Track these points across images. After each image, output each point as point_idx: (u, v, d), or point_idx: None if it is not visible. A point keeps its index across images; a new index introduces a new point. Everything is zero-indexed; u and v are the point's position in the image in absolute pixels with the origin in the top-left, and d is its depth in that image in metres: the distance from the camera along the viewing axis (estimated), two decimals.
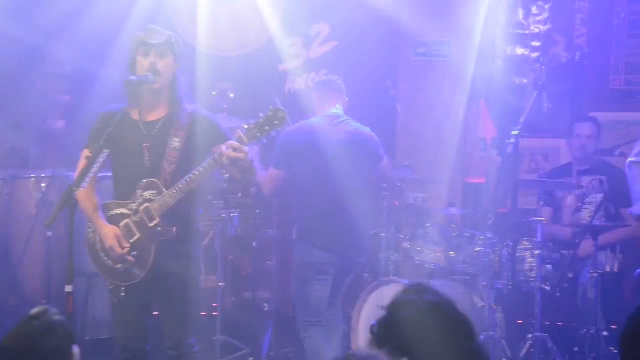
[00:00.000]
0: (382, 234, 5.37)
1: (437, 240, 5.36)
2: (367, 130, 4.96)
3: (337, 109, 4.95)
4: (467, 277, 5.35)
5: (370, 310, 5.02)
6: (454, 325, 2.13)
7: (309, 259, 4.77)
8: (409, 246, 5.42)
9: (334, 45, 6.66)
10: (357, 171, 4.80)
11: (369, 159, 4.92)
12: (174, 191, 3.77)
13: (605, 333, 4.93)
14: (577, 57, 6.48)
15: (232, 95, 6.19)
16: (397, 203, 5.57)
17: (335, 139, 4.78)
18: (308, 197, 4.80)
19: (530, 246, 5.25)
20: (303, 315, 4.83)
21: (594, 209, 5.46)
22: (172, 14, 6.40)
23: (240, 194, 5.71)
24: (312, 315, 4.80)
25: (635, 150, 4.08)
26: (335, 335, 4.92)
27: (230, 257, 5.84)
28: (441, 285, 5.01)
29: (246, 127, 3.72)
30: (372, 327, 2.16)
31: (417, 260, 5.40)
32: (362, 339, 5.00)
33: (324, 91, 5.02)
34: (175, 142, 3.82)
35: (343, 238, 4.79)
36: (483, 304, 5.16)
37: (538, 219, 5.26)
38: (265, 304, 5.74)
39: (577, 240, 5.31)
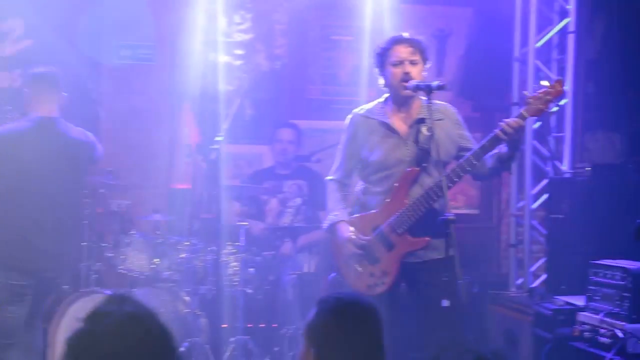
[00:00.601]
0: (83, 243, 5.18)
1: (141, 247, 5.29)
2: (83, 133, 4.64)
3: (53, 112, 4.55)
4: (172, 284, 5.35)
5: (68, 324, 4.79)
6: (153, 336, 2.10)
7: (3, 281, 4.43)
8: (112, 255, 5.29)
9: (29, 44, 6.29)
10: (70, 185, 4.51)
11: (85, 169, 4.66)
12: None
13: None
14: (277, 67, 6.79)
15: None
16: (99, 210, 5.41)
17: (45, 148, 4.41)
18: (5, 214, 4.42)
19: (234, 250, 5.39)
20: None
21: (293, 212, 5.74)
22: None
23: None
24: (6, 337, 4.48)
25: (333, 167, 4.40)
26: (32, 353, 4.63)
27: None
28: (144, 294, 4.95)
29: None
30: (67, 340, 2.06)
31: (121, 269, 5.28)
32: (58, 353, 4.76)
33: (38, 85, 4.57)
34: None
35: (44, 261, 4.49)
36: (187, 311, 5.19)
37: (241, 223, 5.41)
38: None
39: (278, 242, 5.59)
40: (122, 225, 5.40)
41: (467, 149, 4.13)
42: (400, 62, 4.12)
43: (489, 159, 4.10)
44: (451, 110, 4.26)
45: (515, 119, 3.93)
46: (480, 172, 4.16)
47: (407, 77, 4.09)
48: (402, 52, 4.13)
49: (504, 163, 4.10)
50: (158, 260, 5.33)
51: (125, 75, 6.48)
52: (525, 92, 4.05)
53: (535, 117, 4.61)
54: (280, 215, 5.97)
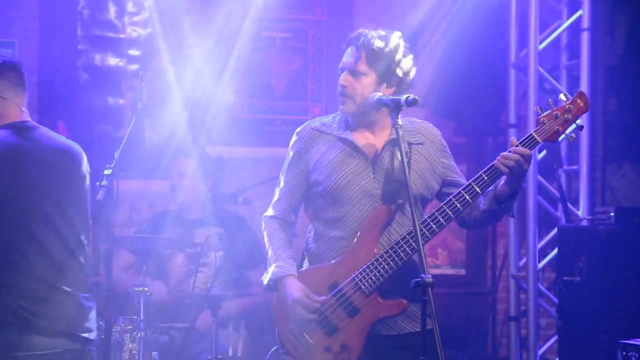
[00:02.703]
0: None
1: None
2: (73, 143, 4.57)
3: (26, 114, 4.45)
4: None
5: None
6: None
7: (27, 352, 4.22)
8: None
9: None
10: (72, 205, 4.42)
11: (83, 186, 4.55)
12: None
13: None
14: (187, 73, 6.87)
15: None
16: None
17: (37, 160, 4.31)
18: (6, 258, 4.21)
19: (131, 326, 5.40)
20: None
21: (211, 273, 5.84)
22: None
23: None
24: None
25: (272, 201, 4.42)
26: None
27: None
28: None
29: None
30: None
31: None
32: None
33: (3, 84, 4.39)
34: None
35: (75, 310, 4.35)
36: None
37: (140, 289, 5.42)
38: None
39: (191, 315, 5.67)
40: None
41: (455, 184, 4.25)
42: (342, 69, 4.29)
43: (482, 199, 4.20)
44: (434, 132, 4.38)
45: (520, 148, 4.03)
46: (471, 217, 4.27)
47: (340, 90, 4.25)
48: (347, 54, 4.29)
49: (501, 204, 4.20)
50: None
51: None
52: (538, 108, 4.21)
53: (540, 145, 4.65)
54: (188, 276, 6.01)
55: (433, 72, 7.30)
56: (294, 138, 4.38)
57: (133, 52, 7.11)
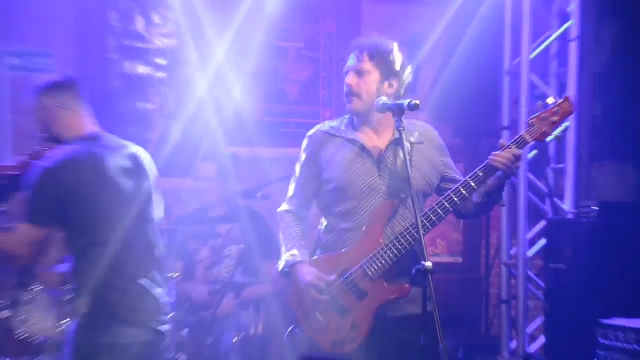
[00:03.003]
0: None
1: (45, 306, 5.39)
2: (136, 146, 4.81)
3: (95, 125, 4.71)
4: None
5: None
6: None
7: (119, 341, 4.44)
8: (8, 315, 5.36)
9: None
10: (148, 203, 4.69)
11: (155, 191, 4.81)
12: None
13: None
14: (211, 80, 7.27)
15: None
16: None
17: (113, 165, 4.54)
18: (98, 255, 4.46)
19: None
20: None
21: (233, 263, 6.18)
22: None
23: None
24: None
25: (287, 197, 4.70)
26: None
27: None
28: None
29: None
30: None
31: (20, 334, 5.36)
32: None
33: (71, 98, 4.65)
34: None
35: (152, 304, 4.59)
36: None
37: (171, 274, 5.73)
38: None
39: (215, 300, 5.97)
40: (20, 278, 5.41)
41: (453, 180, 4.50)
42: (346, 73, 4.49)
43: (474, 194, 4.36)
44: (433, 132, 4.62)
45: (512, 149, 4.21)
46: (466, 209, 4.48)
47: (347, 90, 4.46)
48: (350, 59, 4.48)
49: (492, 196, 4.38)
50: (68, 321, 5.12)
51: (21, 87, 6.39)
52: (539, 104, 4.39)
53: (531, 145, 4.87)
54: (215, 266, 6.32)
55: (433, 78, 7.59)
56: (306, 141, 4.61)
57: (160, 61, 7.41)
